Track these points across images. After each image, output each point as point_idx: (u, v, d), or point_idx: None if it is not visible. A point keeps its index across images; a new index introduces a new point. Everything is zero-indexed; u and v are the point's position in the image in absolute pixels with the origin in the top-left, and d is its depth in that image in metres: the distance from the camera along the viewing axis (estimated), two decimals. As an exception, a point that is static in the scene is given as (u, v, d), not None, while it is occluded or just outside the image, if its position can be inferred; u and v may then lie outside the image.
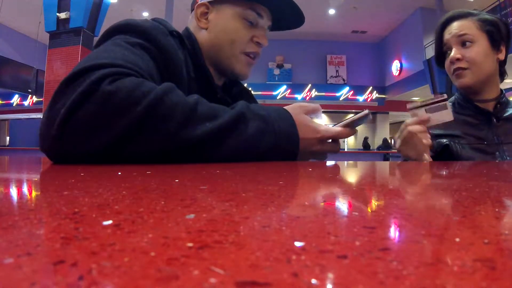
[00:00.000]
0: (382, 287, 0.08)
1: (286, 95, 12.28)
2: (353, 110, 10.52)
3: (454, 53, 0.91)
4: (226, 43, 0.71)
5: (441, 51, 0.96)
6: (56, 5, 5.41)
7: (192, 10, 0.76)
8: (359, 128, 0.69)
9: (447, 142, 0.91)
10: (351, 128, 0.61)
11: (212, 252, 0.11)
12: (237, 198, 0.20)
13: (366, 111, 0.59)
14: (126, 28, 0.60)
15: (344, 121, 0.61)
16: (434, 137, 0.94)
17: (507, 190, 0.26)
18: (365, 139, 11.86)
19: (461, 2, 8.86)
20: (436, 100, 0.75)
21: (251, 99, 0.82)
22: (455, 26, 0.92)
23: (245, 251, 0.11)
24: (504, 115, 0.92)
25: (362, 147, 11.63)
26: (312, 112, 0.61)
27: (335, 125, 0.62)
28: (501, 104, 0.93)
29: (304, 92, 12.35)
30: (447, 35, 0.93)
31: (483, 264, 0.10)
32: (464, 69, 0.90)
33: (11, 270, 0.09)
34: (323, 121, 0.66)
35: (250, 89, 0.91)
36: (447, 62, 0.94)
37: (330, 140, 0.61)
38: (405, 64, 11.66)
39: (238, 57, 0.72)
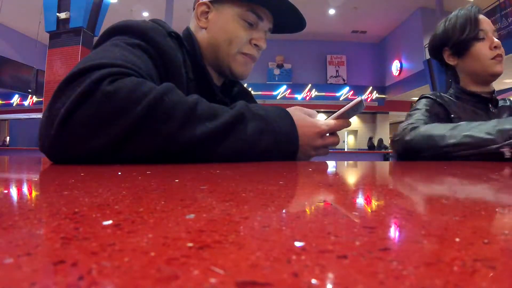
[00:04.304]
0: (382, 287, 0.08)
1: (286, 95, 12.28)
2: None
3: (496, 40, 0.93)
4: (223, 43, 0.70)
5: (472, 35, 0.95)
6: (56, 5, 5.40)
7: (194, 9, 0.76)
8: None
9: None
10: (345, 119, 0.61)
11: (212, 252, 0.11)
12: (237, 198, 0.20)
13: (358, 98, 0.58)
14: (125, 29, 0.60)
15: (338, 112, 0.60)
16: None
17: (507, 190, 0.26)
18: (370, 139, 11.87)
19: (461, 2, 8.86)
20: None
21: (250, 99, 0.82)
22: (489, 20, 0.95)
23: (245, 251, 0.11)
24: (498, 105, 1.01)
25: (367, 147, 11.67)
26: (309, 115, 0.61)
27: (328, 117, 0.61)
28: (495, 98, 1.01)
29: (304, 92, 12.34)
30: (485, 24, 0.94)
31: (483, 264, 0.10)
32: (501, 56, 0.94)
33: (11, 270, 0.09)
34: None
35: (250, 89, 0.91)
36: (484, 47, 0.94)
37: (328, 134, 0.61)
38: (405, 64, 11.66)
39: (234, 57, 0.71)
